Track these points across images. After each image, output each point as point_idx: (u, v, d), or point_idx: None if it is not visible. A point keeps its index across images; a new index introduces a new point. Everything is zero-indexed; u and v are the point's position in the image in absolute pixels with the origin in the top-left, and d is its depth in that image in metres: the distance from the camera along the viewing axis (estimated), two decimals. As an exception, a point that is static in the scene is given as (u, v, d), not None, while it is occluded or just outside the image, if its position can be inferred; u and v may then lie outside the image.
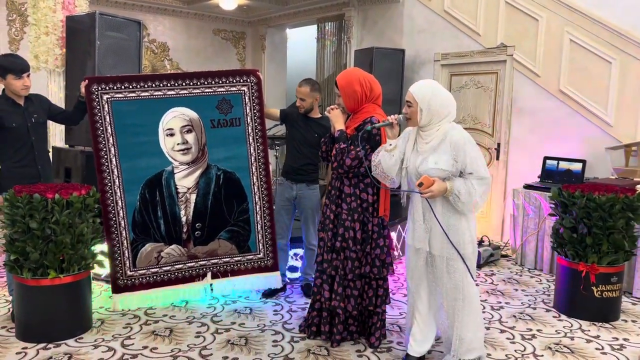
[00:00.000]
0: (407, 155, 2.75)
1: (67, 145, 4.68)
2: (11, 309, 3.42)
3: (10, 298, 3.48)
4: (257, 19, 9.24)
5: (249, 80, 3.70)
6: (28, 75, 3.37)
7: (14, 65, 3.30)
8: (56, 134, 4.87)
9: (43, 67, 4.71)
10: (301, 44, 9.83)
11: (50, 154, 4.76)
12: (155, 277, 3.65)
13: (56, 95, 4.80)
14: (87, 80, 3.48)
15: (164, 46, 8.63)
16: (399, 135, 2.83)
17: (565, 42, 5.18)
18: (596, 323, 3.59)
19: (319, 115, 3.82)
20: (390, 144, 2.78)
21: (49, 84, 4.82)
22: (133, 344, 3.12)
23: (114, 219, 3.53)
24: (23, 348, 3.04)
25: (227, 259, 3.78)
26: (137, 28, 4.65)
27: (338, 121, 3.04)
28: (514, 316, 3.70)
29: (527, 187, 4.93)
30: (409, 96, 2.66)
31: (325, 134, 3.34)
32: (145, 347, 3.07)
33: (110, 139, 3.51)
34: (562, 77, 5.24)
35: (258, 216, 3.78)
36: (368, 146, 2.94)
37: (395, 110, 6.49)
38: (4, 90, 3.39)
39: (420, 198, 2.69)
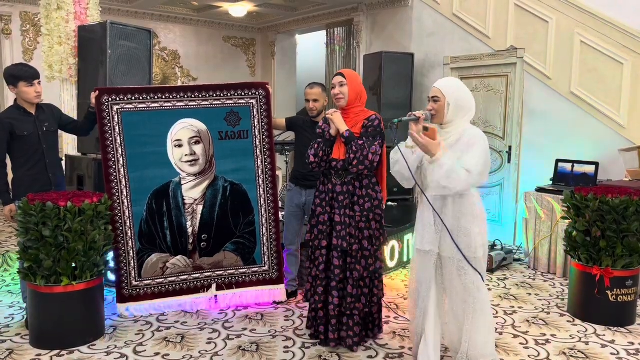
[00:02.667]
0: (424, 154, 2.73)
1: (80, 153, 4.74)
2: (25, 316, 3.46)
3: (24, 305, 3.52)
4: (266, 25, 9.30)
5: (257, 93, 3.72)
6: (39, 82, 3.42)
7: (23, 73, 3.36)
8: (69, 142, 4.93)
9: (57, 76, 4.78)
10: (311, 49, 9.87)
11: (63, 162, 4.83)
12: (160, 287, 3.68)
13: (69, 104, 4.86)
14: (97, 91, 3.52)
15: (174, 54, 8.72)
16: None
17: (576, 44, 5.14)
18: (611, 327, 3.54)
19: None
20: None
21: (62, 93, 4.89)
22: (145, 350, 3.14)
23: (120, 228, 3.56)
24: (37, 355, 3.07)
25: (232, 271, 3.79)
26: (147, 37, 4.70)
27: (342, 122, 3.04)
28: (528, 321, 3.66)
29: (540, 190, 4.88)
30: (436, 91, 2.66)
31: None
32: (157, 354, 3.09)
33: (120, 149, 3.54)
34: (573, 79, 5.20)
35: (264, 228, 3.80)
36: (380, 140, 3.02)
37: (405, 114, 6.47)
38: (15, 100, 3.45)
39: (432, 201, 2.67)
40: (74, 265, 3.13)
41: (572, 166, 4.88)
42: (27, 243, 3.09)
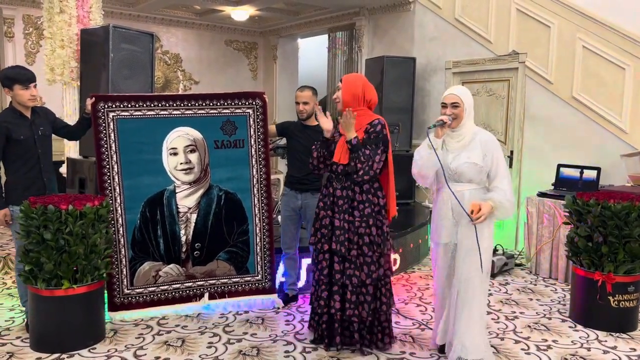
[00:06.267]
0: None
1: (82, 156, 4.74)
2: (26, 320, 3.45)
3: (24, 308, 3.51)
4: (268, 29, 9.31)
5: (254, 103, 3.72)
6: (35, 86, 3.36)
7: (20, 76, 3.30)
8: (70, 145, 4.93)
9: (58, 79, 4.78)
10: (312, 53, 9.88)
11: (65, 165, 4.83)
12: (152, 296, 3.67)
13: (71, 107, 4.87)
14: (93, 98, 3.51)
15: (176, 57, 8.73)
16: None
17: (578, 49, 5.14)
18: (613, 333, 3.52)
19: (316, 123, 3.81)
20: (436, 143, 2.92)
21: (64, 96, 4.90)
22: (145, 354, 3.13)
23: (113, 236, 3.55)
24: (37, 358, 3.06)
25: (225, 280, 3.79)
26: (150, 40, 4.70)
27: (351, 128, 2.99)
28: (529, 326, 3.65)
29: (541, 195, 4.87)
30: (455, 98, 2.90)
31: None
32: (157, 358, 3.08)
33: (114, 156, 3.54)
34: (575, 84, 5.19)
35: (258, 238, 3.80)
36: (382, 146, 3.00)
37: (406, 118, 6.48)
38: (10, 102, 3.39)
39: (449, 196, 2.88)
40: (74, 268, 3.12)
41: (574, 171, 4.87)
42: (28, 246, 3.08)
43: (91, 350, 3.17)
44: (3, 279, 4.51)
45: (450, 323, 2.99)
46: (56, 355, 3.10)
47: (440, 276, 3.03)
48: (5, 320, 3.60)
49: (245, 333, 3.45)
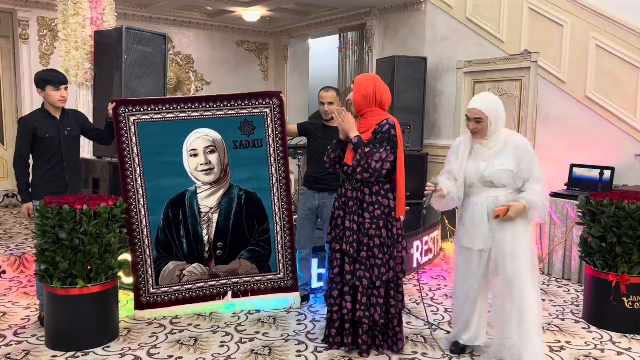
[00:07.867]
0: (463, 164, 2.93)
1: (95, 157, 4.79)
2: (41, 312, 3.50)
3: (39, 302, 3.57)
4: (279, 30, 9.34)
5: (271, 102, 3.74)
6: (65, 88, 3.56)
7: (51, 77, 3.51)
8: (84, 146, 4.99)
9: (73, 80, 4.84)
10: (323, 53, 9.88)
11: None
12: (177, 295, 3.71)
13: (85, 108, 4.92)
14: (114, 103, 3.58)
15: (188, 58, 8.79)
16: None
17: (592, 48, 5.10)
18: (627, 335, 3.49)
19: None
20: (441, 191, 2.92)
21: (78, 97, 4.96)
22: (159, 352, 3.16)
23: (138, 237, 3.61)
24: (52, 356, 3.10)
25: (248, 279, 3.81)
26: (162, 41, 4.75)
27: (353, 128, 3.04)
28: (542, 327, 3.61)
29: (554, 195, 4.83)
30: (477, 113, 2.83)
31: None
32: (170, 357, 3.11)
33: (136, 159, 3.59)
34: (588, 83, 5.16)
35: (279, 236, 3.82)
36: (388, 147, 2.96)
37: (418, 118, 6.45)
38: (43, 104, 3.58)
39: (484, 202, 2.89)
40: (89, 267, 3.16)
41: (587, 171, 4.83)
42: (44, 245, 3.13)
43: (105, 349, 3.21)
44: (19, 277, 4.57)
45: (481, 325, 3.06)
46: (71, 353, 3.13)
47: (469, 280, 2.98)
48: (22, 319, 3.65)
49: (258, 332, 3.47)
